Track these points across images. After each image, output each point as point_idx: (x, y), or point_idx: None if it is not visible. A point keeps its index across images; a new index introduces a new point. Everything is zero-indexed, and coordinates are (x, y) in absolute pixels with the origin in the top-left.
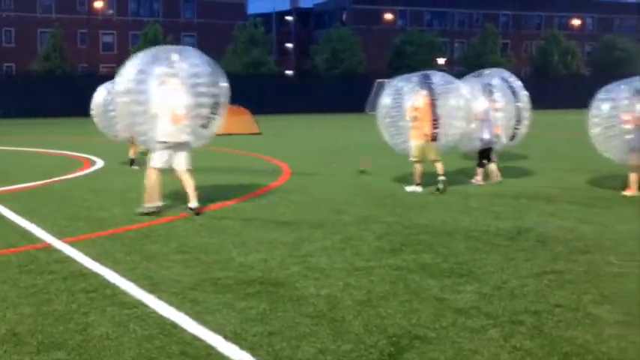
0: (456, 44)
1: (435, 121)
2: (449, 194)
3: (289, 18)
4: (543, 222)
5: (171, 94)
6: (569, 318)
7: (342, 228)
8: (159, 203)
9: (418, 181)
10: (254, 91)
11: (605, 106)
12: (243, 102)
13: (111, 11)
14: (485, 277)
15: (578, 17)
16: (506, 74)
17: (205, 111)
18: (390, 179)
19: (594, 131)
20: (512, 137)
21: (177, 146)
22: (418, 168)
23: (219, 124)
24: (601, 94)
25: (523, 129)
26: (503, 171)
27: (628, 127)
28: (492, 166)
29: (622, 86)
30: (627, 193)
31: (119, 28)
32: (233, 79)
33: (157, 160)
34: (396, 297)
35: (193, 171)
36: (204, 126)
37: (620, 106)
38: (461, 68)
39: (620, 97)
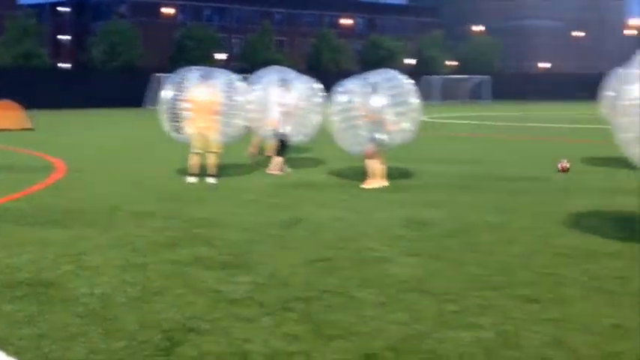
0: (234, 40)
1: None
2: (227, 188)
3: (64, 9)
4: (316, 211)
5: None
6: (335, 302)
7: (118, 224)
8: None
9: (193, 171)
10: (25, 85)
11: (342, 99)
12: (14, 96)
13: None
14: (260, 267)
15: (348, 17)
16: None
17: None
18: (172, 173)
19: (331, 122)
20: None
21: None
22: (194, 160)
23: None
24: (339, 87)
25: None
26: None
27: (361, 118)
28: (277, 159)
29: (358, 80)
30: (366, 185)
31: None
32: (2, 72)
33: None
34: (171, 291)
35: None
36: None
37: (356, 99)
38: (240, 64)
39: (356, 91)
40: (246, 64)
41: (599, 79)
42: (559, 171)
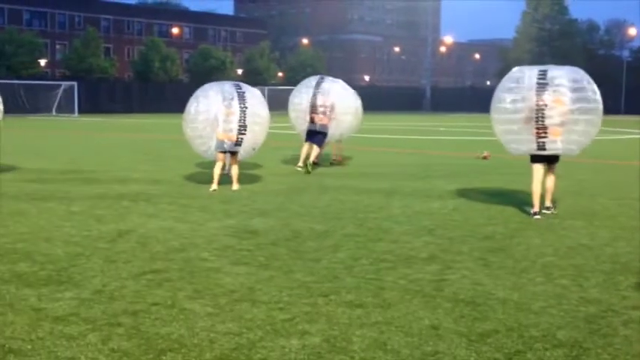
0: (58, 46)
1: None
2: (50, 200)
3: None
4: (143, 223)
5: None
6: (165, 315)
7: None
8: None
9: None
10: None
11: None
12: None
13: None
14: (85, 281)
15: (176, 26)
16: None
17: None
18: None
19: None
20: None
21: None
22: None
23: None
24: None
25: None
26: None
27: None
28: None
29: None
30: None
31: None
32: None
33: None
34: None
35: None
36: None
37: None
38: (64, 70)
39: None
40: (71, 72)
41: (421, 92)
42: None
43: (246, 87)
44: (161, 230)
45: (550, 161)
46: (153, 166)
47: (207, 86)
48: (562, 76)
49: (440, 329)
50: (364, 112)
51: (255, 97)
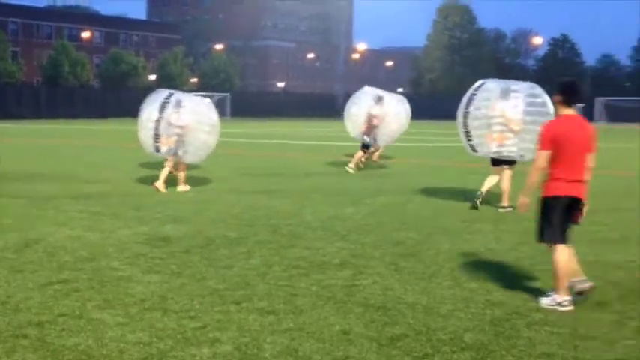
0: None
1: None
2: None
3: None
4: (53, 232)
5: None
6: (72, 325)
7: None
8: None
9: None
10: None
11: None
12: None
13: None
14: None
15: (86, 30)
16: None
17: None
18: None
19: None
20: None
21: None
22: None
23: None
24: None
25: None
26: None
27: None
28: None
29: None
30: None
31: None
32: None
33: None
34: None
35: None
36: None
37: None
38: None
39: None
40: None
41: (334, 99)
42: None
43: (175, 97)
44: (70, 239)
45: (505, 164)
46: (63, 173)
47: (152, 94)
48: (494, 88)
49: (351, 334)
50: (277, 118)
51: (179, 106)
